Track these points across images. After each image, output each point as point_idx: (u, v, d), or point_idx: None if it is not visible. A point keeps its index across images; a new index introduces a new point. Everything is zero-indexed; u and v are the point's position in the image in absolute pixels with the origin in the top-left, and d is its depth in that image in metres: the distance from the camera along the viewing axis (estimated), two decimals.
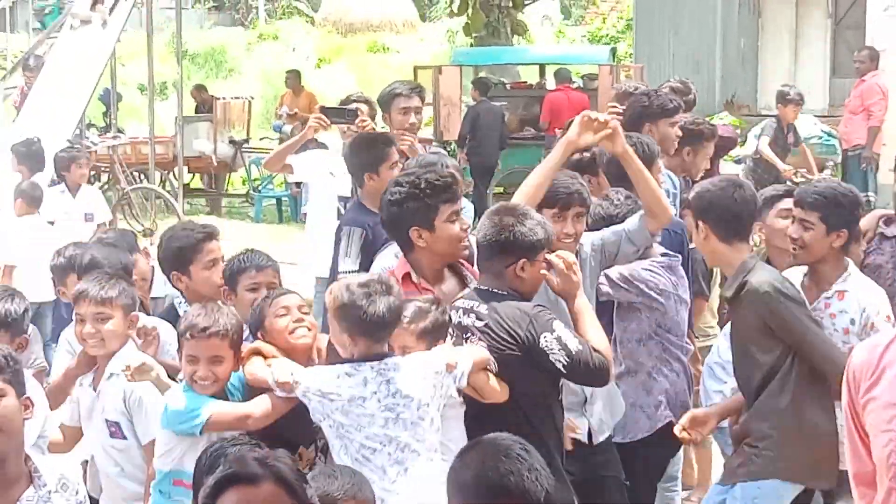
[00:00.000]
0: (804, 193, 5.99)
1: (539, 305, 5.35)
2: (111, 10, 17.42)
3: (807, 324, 5.64)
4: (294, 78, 23.61)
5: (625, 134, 6.78)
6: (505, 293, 5.24)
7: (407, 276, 5.52)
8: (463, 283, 5.69)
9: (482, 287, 5.31)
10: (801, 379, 5.67)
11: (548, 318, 5.18)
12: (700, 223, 5.91)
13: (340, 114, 8.66)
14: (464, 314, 5.23)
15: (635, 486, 6.41)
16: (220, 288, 5.88)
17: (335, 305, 4.95)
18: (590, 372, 5.21)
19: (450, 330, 5.23)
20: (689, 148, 8.21)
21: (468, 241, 5.62)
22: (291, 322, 5.17)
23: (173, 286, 6.14)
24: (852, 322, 5.81)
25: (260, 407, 4.99)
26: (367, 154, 7.18)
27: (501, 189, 18.66)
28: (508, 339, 5.12)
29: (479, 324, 5.16)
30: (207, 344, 5.00)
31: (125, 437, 5.47)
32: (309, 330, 5.23)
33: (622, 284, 6.17)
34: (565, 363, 5.10)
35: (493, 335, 5.14)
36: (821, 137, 17.51)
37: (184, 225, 6.91)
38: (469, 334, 5.19)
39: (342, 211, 8.41)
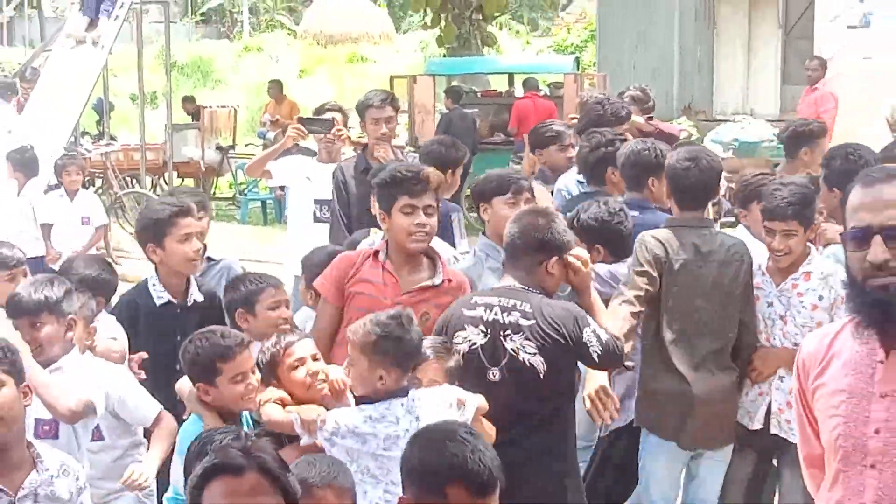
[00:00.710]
0: (777, 208, 5.96)
1: (573, 303, 5.45)
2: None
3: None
4: (276, 88, 23.63)
5: (641, 140, 6.97)
6: (538, 291, 5.24)
7: (375, 253, 5.63)
8: (431, 278, 5.67)
9: (517, 286, 5.27)
10: (644, 340, 5.96)
11: (584, 314, 5.26)
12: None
13: (317, 124, 8.71)
14: (503, 312, 5.17)
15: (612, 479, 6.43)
16: (192, 262, 5.88)
17: (368, 341, 4.74)
18: (616, 358, 5.29)
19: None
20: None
21: (422, 236, 5.57)
22: (308, 375, 4.96)
23: (148, 258, 6.08)
24: (820, 298, 5.87)
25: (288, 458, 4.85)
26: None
27: None
28: (557, 335, 5.12)
29: (527, 322, 5.12)
30: (249, 356, 4.87)
31: (102, 438, 5.45)
32: (324, 381, 5.01)
33: (609, 280, 6.15)
34: (600, 353, 5.16)
35: (542, 332, 5.12)
36: (772, 140, 17.57)
37: (161, 199, 6.84)
38: (509, 331, 5.13)
39: (318, 214, 8.44)
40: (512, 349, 5.13)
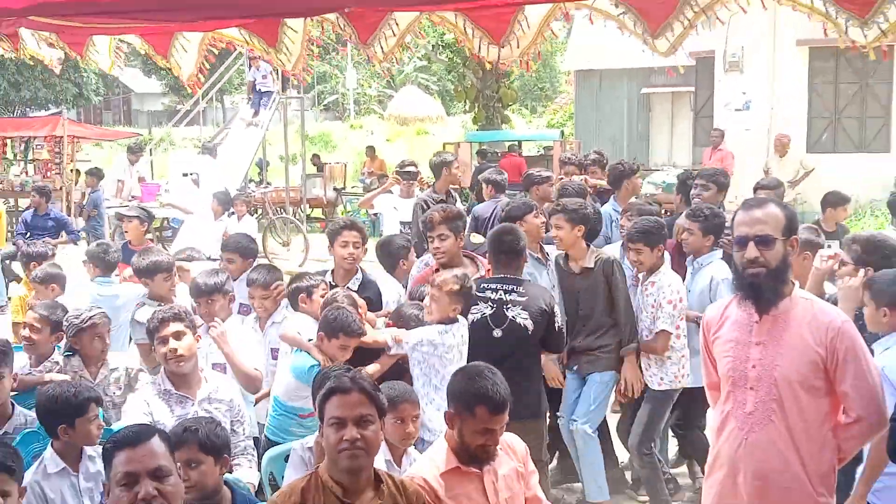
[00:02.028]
0: (630, 235, 5.88)
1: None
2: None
3: (623, 288, 5.78)
4: (371, 151, 23.77)
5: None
6: (522, 279, 5.30)
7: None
8: (475, 266, 5.72)
9: (509, 276, 5.28)
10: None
11: (553, 296, 5.40)
12: (576, 227, 5.85)
13: (408, 175, 8.93)
14: (505, 293, 5.20)
15: None
16: (345, 260, 5.62)
17: (454, 289, 4.88)
18: (562, 338, 5.39)
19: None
20: None
21: (439, 256, 5.57)
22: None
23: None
24: (655, 300, 5.73)
25: (374, 368, 4.88)
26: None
27: None
28: (542, 306, 5.19)
29: (522, 299, 5.17)
30: (357, 341, 4.81)
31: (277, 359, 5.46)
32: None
33: None
34: (559, 325, 5.26)
35: (533, 305, 5.18)
36: None
37: (337, 217, 6.66)
38: (510, 304, 5.18)
39: (402, 231, 8.49)
40: (512, 316, 5.15)
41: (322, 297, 5.34)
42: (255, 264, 6.29)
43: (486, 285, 5.25)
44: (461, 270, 5.12)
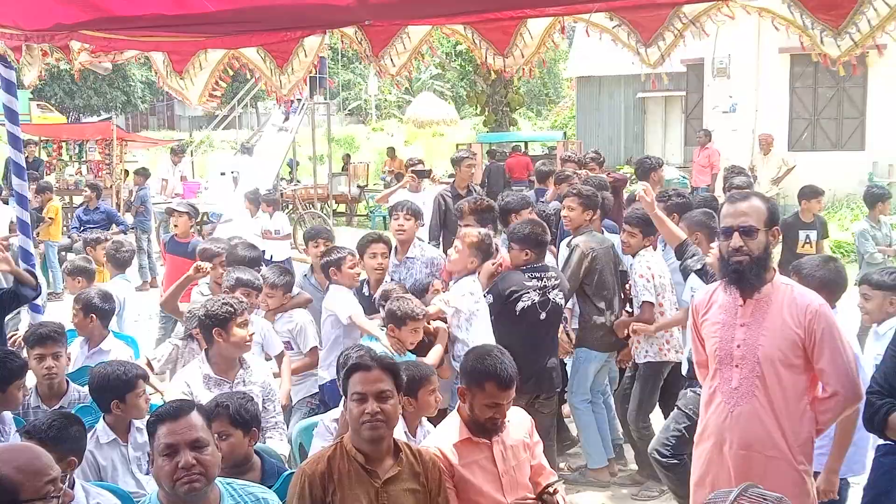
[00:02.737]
0: (626, 218, 5.87)
1: None
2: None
3: (577, 272, 5.73)
4: (391, 152, 23.78)
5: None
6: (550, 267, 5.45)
7: None
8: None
9: (548, 265, 5.40)
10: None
11: None
12: (585, 210, 5.94)
13: (422, 173, 8.96)
14: (548, 280, 5.28)
15: None
16: (375, 270, 5.60)
17: (474, 241, 5.14)
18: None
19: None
20: None
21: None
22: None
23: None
24: (633, 278, 5.77)
25: (434, 356, 4.94)
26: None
27: None
28: (567, 286, 5.43)
29: (558, 283, 5.31)
30: (421, 326, 4.85)
31: (293, 349, 5.50)
32: None
33: None
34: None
35: (564, 285, 5.37)
36: (678, 179, 17.44)
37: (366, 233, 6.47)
38: (553, 289, 5.27)
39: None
40: (553, 299, 5.24)
41: (350, 267, 5.31)
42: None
43: (531, 275, 5.26)
44: (484, 230, 5.34)
